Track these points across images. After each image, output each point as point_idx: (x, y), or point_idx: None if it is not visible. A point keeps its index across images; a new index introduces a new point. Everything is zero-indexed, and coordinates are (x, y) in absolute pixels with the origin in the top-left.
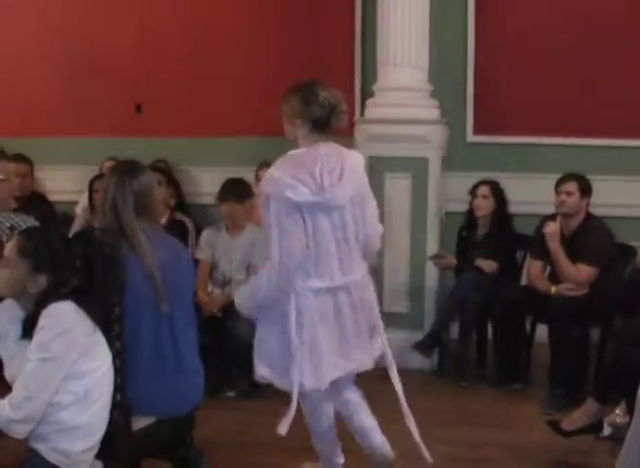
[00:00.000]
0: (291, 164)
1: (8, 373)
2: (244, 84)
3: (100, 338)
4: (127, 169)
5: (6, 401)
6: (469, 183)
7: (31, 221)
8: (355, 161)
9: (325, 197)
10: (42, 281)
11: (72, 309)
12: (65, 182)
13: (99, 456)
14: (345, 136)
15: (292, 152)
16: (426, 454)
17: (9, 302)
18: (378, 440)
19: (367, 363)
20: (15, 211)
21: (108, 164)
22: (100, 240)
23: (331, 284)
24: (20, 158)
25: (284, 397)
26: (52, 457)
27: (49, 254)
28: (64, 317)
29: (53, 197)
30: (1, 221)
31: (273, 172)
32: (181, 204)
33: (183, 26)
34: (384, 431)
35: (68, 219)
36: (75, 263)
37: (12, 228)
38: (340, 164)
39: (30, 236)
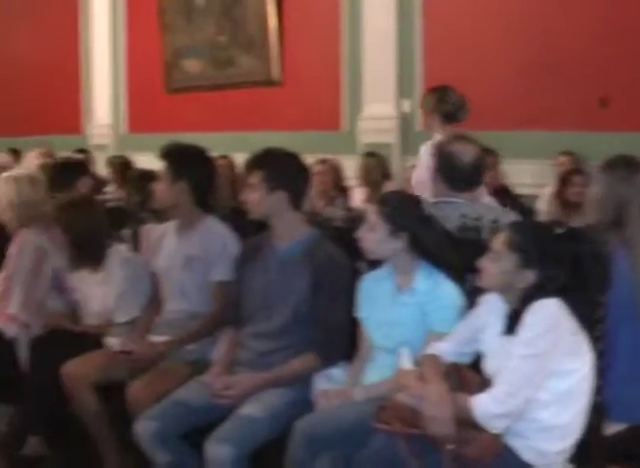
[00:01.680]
0: None
1: (488, 367)
2: None
3: (583, 338)
4: (628, 164)
5: (488, 395)
6: None
7: (512, 215)
8: None
9: None
10: (530, 276)
11: (558, 307)
12: (525, 176)
13: (571, 460)
14: None
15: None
16: None
17: (492, 296)
18: None
19: None
20: None
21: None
22: (589, 237)
23: None
24: (485, 150)
25: None
26: (526, 455)
27: (538, 250)
28: (550, 314)
29: (515, 190)
30: (483, 215)
31: None
32: None
33: None
34: None
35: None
36: (564, 260)
37: (495, 221)
38: None
39: (519, 230)
